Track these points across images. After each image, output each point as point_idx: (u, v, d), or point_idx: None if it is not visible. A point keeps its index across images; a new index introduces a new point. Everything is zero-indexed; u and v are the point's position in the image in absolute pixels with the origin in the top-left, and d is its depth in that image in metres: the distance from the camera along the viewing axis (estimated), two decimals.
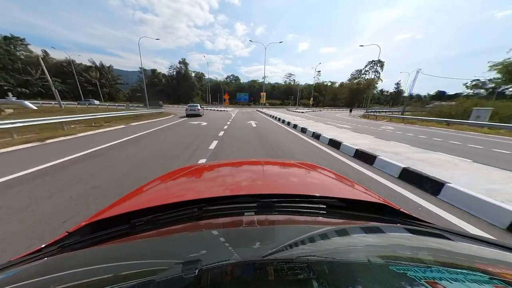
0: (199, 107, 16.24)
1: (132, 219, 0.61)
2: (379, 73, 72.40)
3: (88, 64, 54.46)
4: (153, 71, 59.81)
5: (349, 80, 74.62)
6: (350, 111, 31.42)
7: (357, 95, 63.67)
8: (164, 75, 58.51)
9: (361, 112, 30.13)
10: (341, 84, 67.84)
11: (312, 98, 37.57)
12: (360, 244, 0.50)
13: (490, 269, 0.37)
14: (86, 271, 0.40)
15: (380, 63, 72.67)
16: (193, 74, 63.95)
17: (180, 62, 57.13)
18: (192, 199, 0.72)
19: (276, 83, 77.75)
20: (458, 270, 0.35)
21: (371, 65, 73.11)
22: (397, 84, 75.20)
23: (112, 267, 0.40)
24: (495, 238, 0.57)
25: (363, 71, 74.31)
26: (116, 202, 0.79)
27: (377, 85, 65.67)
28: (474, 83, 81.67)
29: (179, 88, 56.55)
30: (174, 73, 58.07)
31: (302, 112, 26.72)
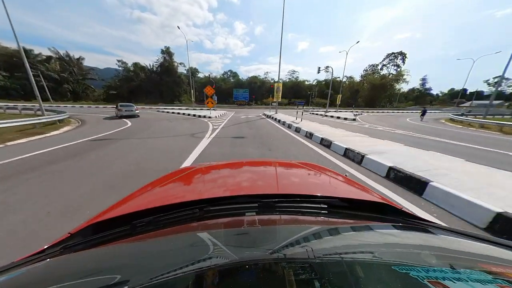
0: (136, 107, 14.09)
1: (134, 220, 0.59)
2: (400, 67, 59.88)
3: (48, 54, 41.15)
4: (135, 64, 46.45)
5: (362, 76, 62.01)
6: (423, 113, 18.76)
7: (380, 92, 50.95)
8: (143, 67, 45.25)
9: (411, 113, 18.67)
10: (363, 79, 55.09)
11: (339, 96, 25.03)
12: (362, 243, 0.48)
13: (493, 268, 0.35)
14: (89, 272, 0.39)
15: (402, 55, 60.16)
16: (184, 69, 51.19)
17: (162, 52, 44.03)
18: (193, 200, 0.70)
19: (281, 79, 64.83)
20: (461, 270, 0.33)
21: (391, 57, 60.55)
22: (423, 79, 62.66)
23: (115, 268, 0.40)
24: (498, 238, 0.51)
25: (380, 66, 61.68)
26: (117, 204, 0.76)
27: (407, 80, 52.66)
28: (496, 80, 69.67)
29: (163, 83, 43.55)
30: (157, 65, 44.83)
31: (354, 120, 14.58)
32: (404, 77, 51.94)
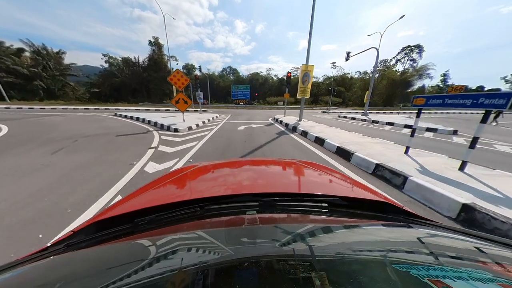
0: None
1: (136, 218, 0.58)
2: (416, 62, 52.18)
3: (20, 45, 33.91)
4: (125, 60, 38.98)
5: (372, 72, 54.39)
6: (498, 115, 11.95)
7: (400, 89, 43.49)
8: (128, 61, 37.92)
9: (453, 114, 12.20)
10: (381, 75, 47.39)
11: (368, 93, 17.81)
12: (363, 242, 0.47)
13: (494, 267, 0.35)
14: (92, 270, 0.38)
15: (419, 49, 52.37)
16: (176, 64, 44.09)
17: (150, 43, 36.76)
18: (194, 198, 0.69)
19: (284, 75, 57.18)
20: (462, 268, 0.32)
21: (406, 51, 52.75)
22: (445, 75, 54.88)
23: (117, 266, 0.39)
24: (499, 237, 0.49)
25: (394, 61, 53.94)
26: (119, 202, 0.76)
27: (431, 75, 45.09)
28: None
29: (151, 80, 36.40)
30: (144, 59, 37.53)
31: (455, 133, 6.21)
32: (428, 71, 44.18)
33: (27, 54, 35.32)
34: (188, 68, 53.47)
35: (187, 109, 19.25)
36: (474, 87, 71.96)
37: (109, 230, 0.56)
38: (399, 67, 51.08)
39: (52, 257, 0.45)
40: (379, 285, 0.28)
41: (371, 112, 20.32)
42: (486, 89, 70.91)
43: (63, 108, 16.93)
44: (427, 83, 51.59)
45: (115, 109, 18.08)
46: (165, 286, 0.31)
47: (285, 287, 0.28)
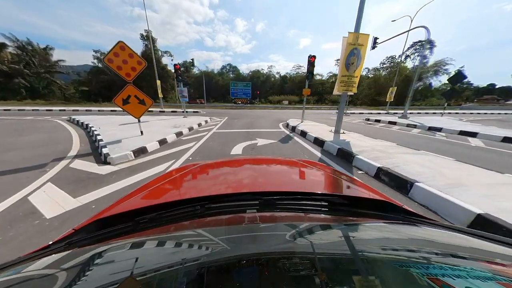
0: None
1: (136, 216, 0.58)
2: (427, 58, 48.06)
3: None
4: None
5: (379, 69, 50.35)
6: None
7: (412, 86, 39.47)
8: None
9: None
10: (394, 72, 43.54)
11: (394, 89, 14.30)
12: (362, 240, 0.47)
13: (493, 265, 0.34)
14: (92, 267, 0.38)
15: (431, 44, 48.23)
16: (171, 60, 40.43)
17: (142, 37, 33.13)
18: (194, 197, 0.68)
19: (287, 73, 53.24)
20: (461, 267, 0.32)
21: (416, 47, 48.63)
22: (459, 71, 50.80)
23: (118, 263, 0.39)
24: (499, 236, 0.48)
25: (403, 57, 49.79)
26: (120, 200, 0.75)
27: (448, 70, 41.20)
28: None
29: (142, 77, 32.73)
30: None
31: None
32: (446, 67, 40.19)
33: (10, 50, 31.69)
34: (186, 66, 49.70)
35: (174, 110, 15.58)
36: (484, 85, 67.77)
37: (110, 229, 0.56)
38: (409, 63, 47.09)
39: (53, 255, 0.44)
40: (379, 283, 0.28)
41: (395, 112, 16.67)
42: (497, 87, 66.73)
43: (18, 110, 13.47)
44: (442, 79, 47.33)
45: (86, 110, 14.65)
46: (166, 284, 0.30)
47: (285, 285, 0.28)
